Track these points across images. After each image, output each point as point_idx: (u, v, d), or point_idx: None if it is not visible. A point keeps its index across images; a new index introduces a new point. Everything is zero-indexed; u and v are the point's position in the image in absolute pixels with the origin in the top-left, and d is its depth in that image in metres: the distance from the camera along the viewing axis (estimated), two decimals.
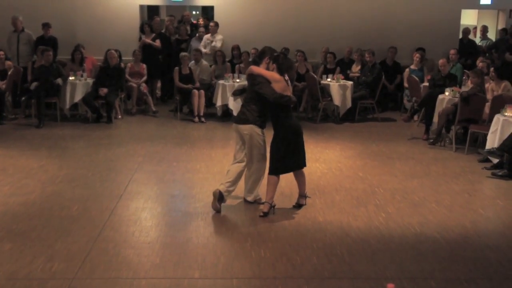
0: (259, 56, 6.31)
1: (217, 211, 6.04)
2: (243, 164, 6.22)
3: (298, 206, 6.23)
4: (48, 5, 12.66)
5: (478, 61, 10.96)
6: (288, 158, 5.99)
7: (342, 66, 12.20)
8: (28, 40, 11.92)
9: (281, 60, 6.12)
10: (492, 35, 14.09)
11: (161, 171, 7.55)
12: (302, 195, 6.28)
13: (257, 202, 6.31)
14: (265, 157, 6.18)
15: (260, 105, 6.07)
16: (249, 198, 6.32)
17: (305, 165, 6.20)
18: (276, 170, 6.01)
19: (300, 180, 6.26)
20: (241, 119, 6.16)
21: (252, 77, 6.13)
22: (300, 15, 12.95)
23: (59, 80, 10.62)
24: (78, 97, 10.87)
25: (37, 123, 10.28)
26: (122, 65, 11.42)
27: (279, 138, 5.97)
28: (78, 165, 7.77)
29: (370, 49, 11.58)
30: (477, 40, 13.99)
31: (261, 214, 5.97)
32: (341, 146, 9.14)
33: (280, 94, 5.90)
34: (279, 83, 5.98)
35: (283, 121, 5.96)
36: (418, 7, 13.01)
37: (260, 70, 6.10)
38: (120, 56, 11.44)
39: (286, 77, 6.08)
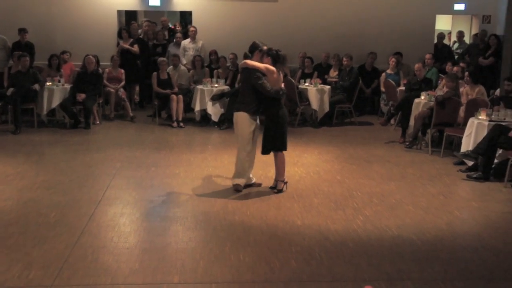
0: (250, 51, 6.77)
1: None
2: (248, 148, 6.78)
3: (277, 191, 6.78)
4: (24, 10, 12.56)
5: (447, 66, 11.18)
6: (284, 137, 6.75)
7: (319, 70, 12.30)
8: (4, 45, 11.80)
9: (274, 52, 6.62)
10: (467, 40, 14.33)
11: (139, 177, 7.53)
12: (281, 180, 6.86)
13: (235, 188, 6.81)
14: (249, 145, 6.70)
15: (254, 96, 6.57)
16: (239, 181, 6.81)
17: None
18: (282, 146, 6.71)
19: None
20: (235, 108, 6.76)
21: (247, 71, 6.47)
22: (277, 20, 13.02)
23: (36, 86, 10.54)
24: (55, 103, 10.79)
25: (14, 129, 10.17)
26: (100, 70, 11.37)
27: (275, 122, 6.62)
28: (56, 171, 7.71)
29: (347, 54, 11.69)
30: (455, 45, 14.20)
31: (275, 191, 6.75)
32: (319, 150, 9.20)
33: (275, 90, 6.47)
34: (274, 74, 6.53)
35: (278, 109, 6.62)
36: (394, 13, 13.18)
37: (254, 63, 6.57)
38: (98, 62, 11.39)
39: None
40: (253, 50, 6.72)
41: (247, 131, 6.66)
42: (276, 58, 6.63)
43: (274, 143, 6.72)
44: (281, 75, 6.72)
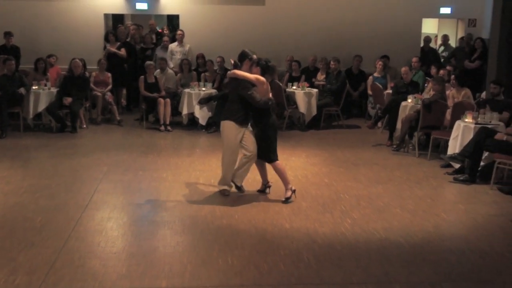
0: (239, 60, 6.69)
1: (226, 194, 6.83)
2: (248, 154, 6.66)
3: (285, 199, 6.67)
4: (9, 13, 12.47)
5: (432, 69, 11.26)
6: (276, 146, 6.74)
7: (307, 74, 12.34)
8: None
9: (264, 62, 6.60)
10: (453, 44, 14.44)
11: (127, 181, 7.49)
12: (267, 185, 6.96)
13: (221, 192, 6.81)
14: (234, 154, 6.69)
15: (242, 105, 6.52)
16: (225, 187, 6.83)
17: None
18: (276, 156, 6.70)
19: (266, 169, 6.93)
20: (223, 116, 6.71)
21: (236, 81, 6.45)
22: (265, 24, 13.04)
23: (22, 90, 10.45)
24: (41, 107, 10.72)
25: (0, 133, 10.09)
26: (87, 74, 11.32)
27: (267, 132, 6.60)
28: (42, 176, 7.65)
29: (335, 57, 11.73)
30: (441, 49, 14.30)
31: (283, 199, 6.61)
32: (307, 153, 9.22)
33: (264, 100, 6.42)
34: (264, 85, 6.49)
35: (268, 119, 6.59)
36: (381, 16, 13.25)
37: (244, 74, 6.50)
38: (84, 65, 11.33)
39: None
40: (243, 59, 6.63)
41: (232, 140, 6.60)
42: (266, 69, 6.61)
43: (267, 154, 6.68)
44: (269, 86, 6.71)
